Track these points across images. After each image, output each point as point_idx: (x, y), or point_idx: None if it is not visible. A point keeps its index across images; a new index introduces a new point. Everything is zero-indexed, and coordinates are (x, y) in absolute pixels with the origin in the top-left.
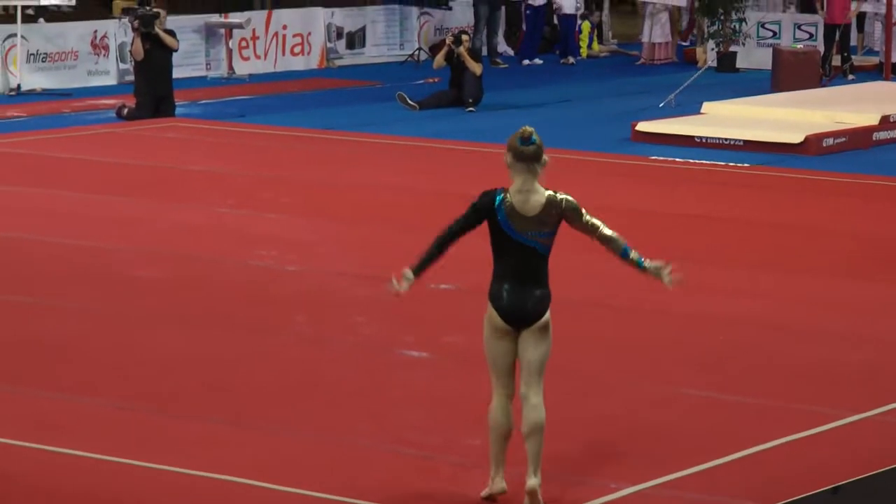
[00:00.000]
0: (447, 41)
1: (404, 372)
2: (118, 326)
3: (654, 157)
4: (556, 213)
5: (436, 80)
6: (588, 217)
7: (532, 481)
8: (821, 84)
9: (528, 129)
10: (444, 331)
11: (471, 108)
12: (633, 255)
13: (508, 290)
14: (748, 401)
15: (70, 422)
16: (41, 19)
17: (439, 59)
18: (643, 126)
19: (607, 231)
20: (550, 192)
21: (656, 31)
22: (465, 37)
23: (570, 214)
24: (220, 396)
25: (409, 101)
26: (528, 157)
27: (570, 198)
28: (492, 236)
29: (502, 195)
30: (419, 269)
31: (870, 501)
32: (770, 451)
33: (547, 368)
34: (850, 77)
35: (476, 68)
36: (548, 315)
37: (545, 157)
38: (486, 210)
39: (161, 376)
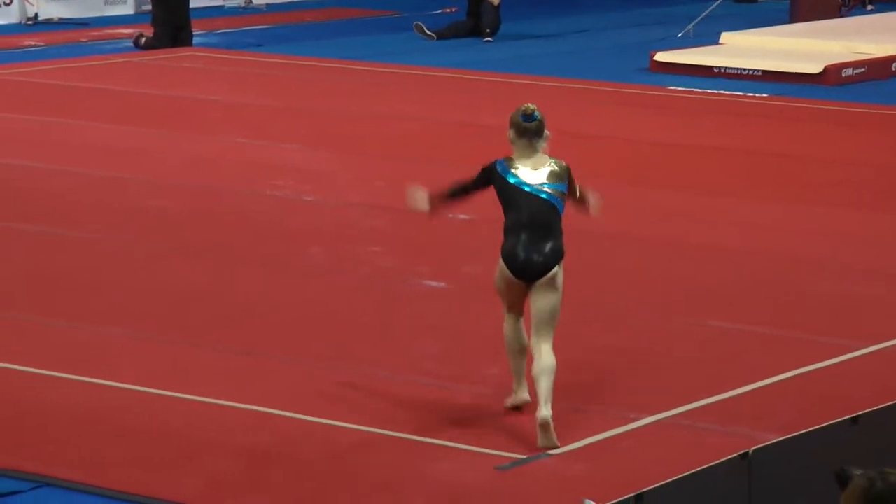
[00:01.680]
0: None
1: (422, 302)
2: (133, 258)
3: (672, 88)
4: (561, 170)
5: (453, 9)
6: (580, 191)
7: (544, 412)
8: (840, 14)
9: (531, 105)
10: (462, 261)
11: (488, 39)
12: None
13: (520, 245)
14: (766, 332)
15: (90, 351)
16: None
17: None
18: (661, 56)
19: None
20: (553, 162)
21: None
22: None
23: (573, 185)
24: (236, 328)
25: (427, 31)
26: (530, 132)
27: (564, 164)
28: (501, 196)
29: (504, 161)
30: (442, 197)
31: (890, 430)
32: (788, 382)
33: (565, 299)
34: (870, 7)
35: (492, 4)
36: (556, 269)
37: (547, 132)
38: (490, 171)
39: (177, 308)
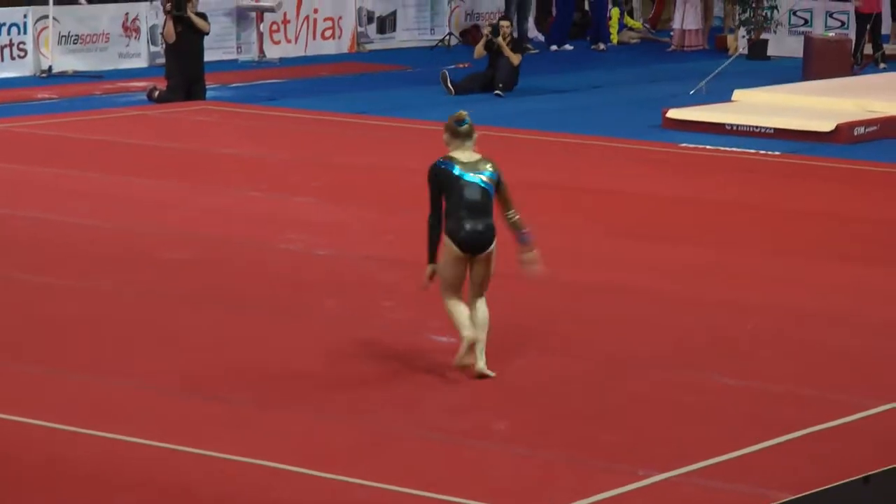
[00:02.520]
0: (486, 32)
1: (431, 356)
2: (146, 308)
3: (684, 145)
4: (493, 166)
5: (466, 64)
6: (507, 193)
7: (480, 364)
8: (852, 72)
9: (462, 112)
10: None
11: (499, 93)
12: (519, 224)
13: (465, 223)
14: (779, 388)
15: (102, 404)
16: (82, 0)
17: (479, 48)
18: (674, 113)
19: (515, 216)
20: (484, 159)
21: (688, 18)
22: (504, 24)
23: (501, 179)
24: (248, 378)
25: (449, 84)
26: (462, 134)
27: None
28: (444, 186)
29: (443, 160)
30: (434, 258)
31: None
32: (801, 440)
33: (577, 350)
34: (882, 66)
35: (514, 59)
36: (495, 243)
37: (475, 134)
38: (435, 171)
39: (190, 358)
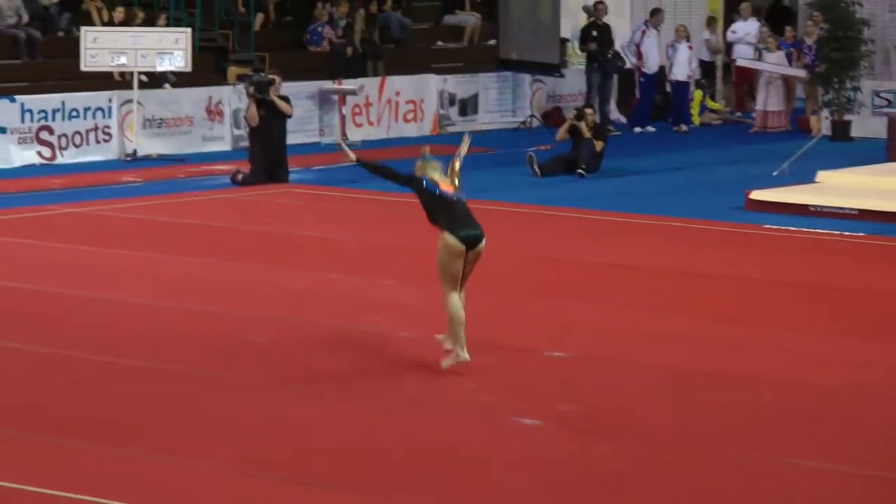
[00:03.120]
0: (570, 116)
1: (518, 439)
2: (229, 390)
3: (768, 226)
4: (455, 177)
5: (549, 146)
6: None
7: (465, 355)
8: None
9: (425, 149)
10: (557, 399)
11: (581, 173)
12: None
13: (463, 226)
14: (864, 472)
15: (184, 487)
16: (167, 84)
17: (562, 131)
18: (757, 194)
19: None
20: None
21: (771, 99)
22: (587, 111)
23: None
24: (333, 462)
25: (535, 166)
26: (429, 162)
27: (454, 167)
28: (431, 203)
29: (427, 180)
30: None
31: None
32: None
33: (656, 435)
34: None
35: (597, 145)
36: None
37: (436, 163)
38: (419, 181)
39: (272, 440)
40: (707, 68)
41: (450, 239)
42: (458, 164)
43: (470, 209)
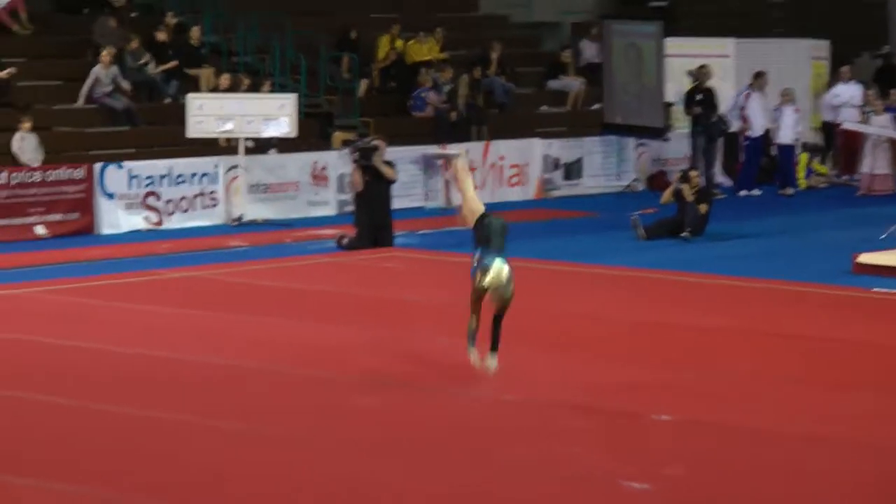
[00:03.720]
0: (674, 179)
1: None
2: (337, 457)
3: (876, 290)
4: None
5: (654, 209)
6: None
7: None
8: None
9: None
10: (666, 462)
11: (686, 236)
12: None
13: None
14: None
15: None
16: (272, 150)
17: (667, 194)
18: (864, 258)
19: None
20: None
21: (878, 162)
22: (693, 173)
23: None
24: None
25: (640, 230)
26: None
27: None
28: (484, 232)
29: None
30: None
31: None
32: None
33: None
34: None
35: (701, 208)
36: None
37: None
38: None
39: None
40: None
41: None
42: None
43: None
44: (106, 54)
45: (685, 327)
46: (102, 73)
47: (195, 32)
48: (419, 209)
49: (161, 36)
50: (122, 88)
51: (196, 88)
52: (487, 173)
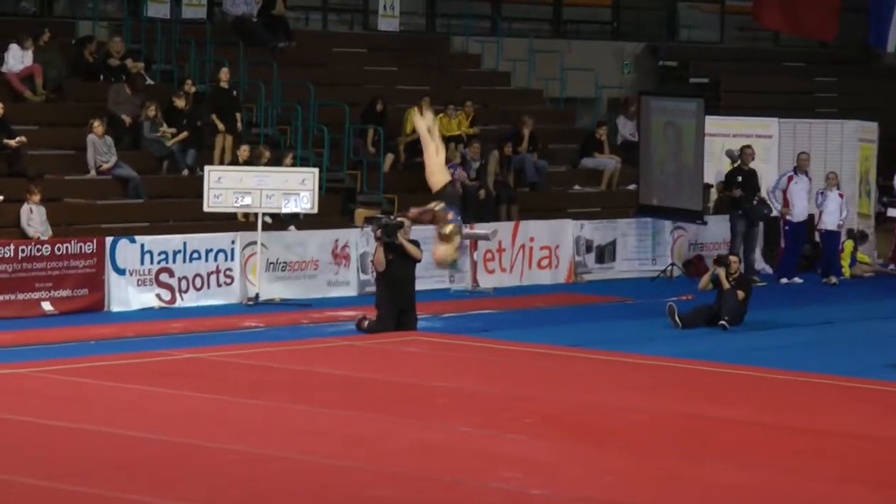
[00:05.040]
0: (712, 263)
1: None
2: None
3: None
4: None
5: (690, 296)
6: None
7: None
8: None
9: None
10: None
11: (724, 324)
12: None
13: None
14: None
15: None
16: (292, 227)
17: (705, 280)
18: None
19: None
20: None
21: None
22: (732, 258)
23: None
24: None
25: (676, 318)
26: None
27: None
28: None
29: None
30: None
31: None
32: None
33: None
34: None
35: (739, 295)
36: None
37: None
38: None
39: None
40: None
41: None
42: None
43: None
44: (98, 124)
45: (722, 421)
46: (98, 141)
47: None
48: (444, 291)
49: (179, 103)
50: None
51: (213, 160)
52: (517, 255)
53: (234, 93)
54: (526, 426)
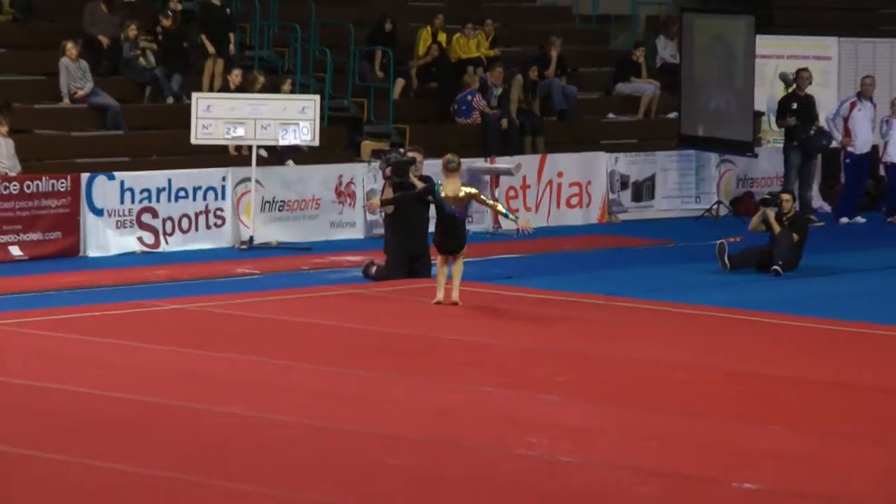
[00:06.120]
0: (759, 202)
1: None
2: None
3: None
4: (465, 197)
5: (739, 238)
6: (485, 197)
7: (455, 296)
8: None
9: (451, 156)
10: None
11: (776, 269)
12: (504, 209)
13: (443, 237)
14: None
15: None
16: (290, 161)
17: (755, 221)
18: None
19: (497, 205)
20: (464, 188)
21: None
22: (785, 197)
23: (472, 196)
24: None
25: (726, 259)
26: (452, 170)
27: (472, 189)
28: (438, 212)
29: (438, 185)
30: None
31: None
32: None
33: None
34: None
35: (793, 236)
36: (464, 249)
37: (462, 168)
38: (431, 188)
39: None
40: None
41: (436, 247)
42: (481, 197)
43: (458, 225)
44: (72, 46)
45: (776, 379)
46: (72, 66)
47: None
48: None
49: (166, 23)
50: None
51: (201, 86)
52: (543, 192)
53: (227, 10)
54: (555, 386)
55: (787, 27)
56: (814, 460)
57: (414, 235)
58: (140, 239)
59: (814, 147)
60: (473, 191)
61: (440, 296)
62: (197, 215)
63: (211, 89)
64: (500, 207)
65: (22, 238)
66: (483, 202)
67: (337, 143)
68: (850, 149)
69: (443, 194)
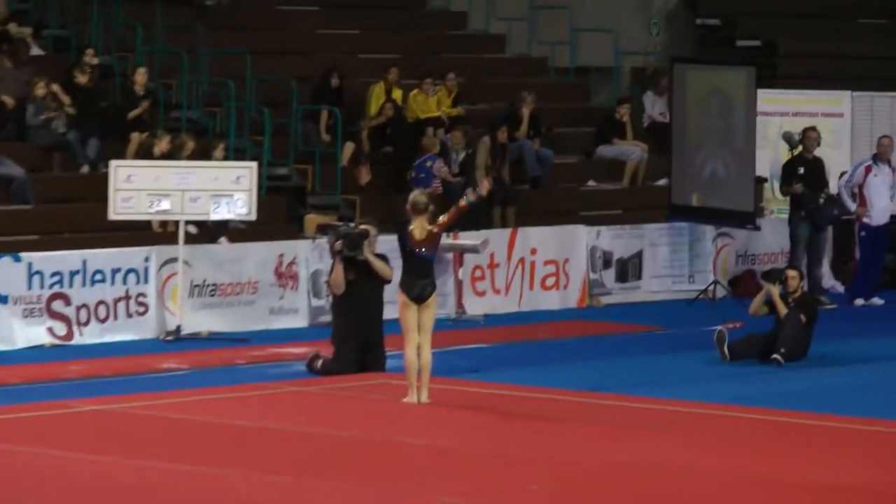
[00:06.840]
0: (761, 277)
1: None
2: None
3: None
4: (437, 231)
5: (739, 324)
6: (450, 215)
7: (424, 396)
8: None
9: (420, 195)
10: None
11: (778, 358)
12: (465, 200)
13: (412, 282)
14: None
15: None
16: (223, 239)
17: (757, 303)
18: None
19: (461, 202)
20: (430, 226)
21: None
22: (791, 273)
23: (442, 225)
24: None
25: (725, 349)
26: (420, 211)
27: (440, 220)
28: (403, 254)
29: (407, 227)
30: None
31: None
32: None
33: None
34: None
35: (800, 319)
36: (434, 295)
37: (430, 208)
38: (400, 235)
39: None
40: None
41: (400, 295)
42: (448, 218)
43: (428, 267)
44: None
45: (783, 486)
46: None
47: (140, 77)
48: None
49: (82, 79)
50: None
51: (122, 153)
52: (514, 272)
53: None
54: (530, 497)
55: (793, 79)
56: None
57: (366, 322)
58: (50, 330)
59: (824, 218)
60: (441, 220)
61: (413, 396)
62: (116, 302)
63: (135, 157)
64: (462, 202)
65: None
66: (452, 218)
67: (277, 216)
68: (865, 219)
69: (412, 240)
